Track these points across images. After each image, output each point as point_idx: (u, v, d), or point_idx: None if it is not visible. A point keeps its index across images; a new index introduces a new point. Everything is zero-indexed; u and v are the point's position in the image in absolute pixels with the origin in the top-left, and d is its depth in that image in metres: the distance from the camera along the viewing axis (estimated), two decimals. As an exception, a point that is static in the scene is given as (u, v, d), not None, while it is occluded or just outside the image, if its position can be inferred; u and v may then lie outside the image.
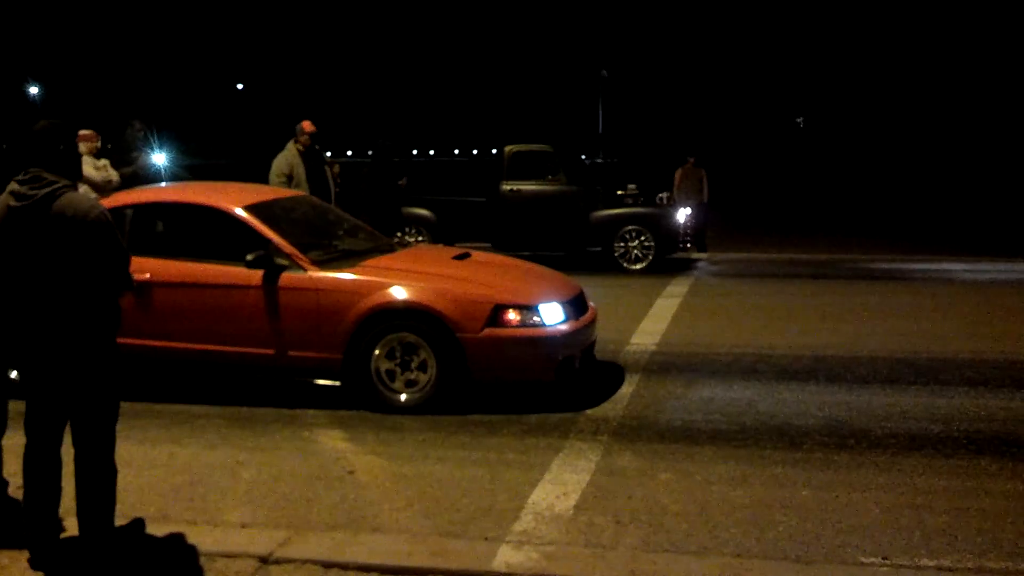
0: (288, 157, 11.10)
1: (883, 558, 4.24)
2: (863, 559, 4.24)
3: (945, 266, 14.01)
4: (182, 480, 5.32)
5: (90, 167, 10.37)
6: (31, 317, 4.03)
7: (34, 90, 71.17)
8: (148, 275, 6.80)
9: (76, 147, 4.27)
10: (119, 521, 4.36)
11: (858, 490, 5.05)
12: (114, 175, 10.62)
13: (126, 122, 11.94)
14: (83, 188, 10.29)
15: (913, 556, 4.26)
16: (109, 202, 7.48)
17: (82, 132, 10.51)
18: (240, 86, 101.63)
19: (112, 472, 4.22)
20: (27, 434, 4.20)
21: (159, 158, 13.24)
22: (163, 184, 8.53)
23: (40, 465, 4.18)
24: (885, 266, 14.23)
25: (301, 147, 11.15)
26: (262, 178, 10.91)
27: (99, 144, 10.76)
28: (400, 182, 11.72)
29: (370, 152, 12.18)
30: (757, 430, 6.12)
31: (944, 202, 27.28)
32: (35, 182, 4.01)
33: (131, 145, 11.81)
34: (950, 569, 4.15)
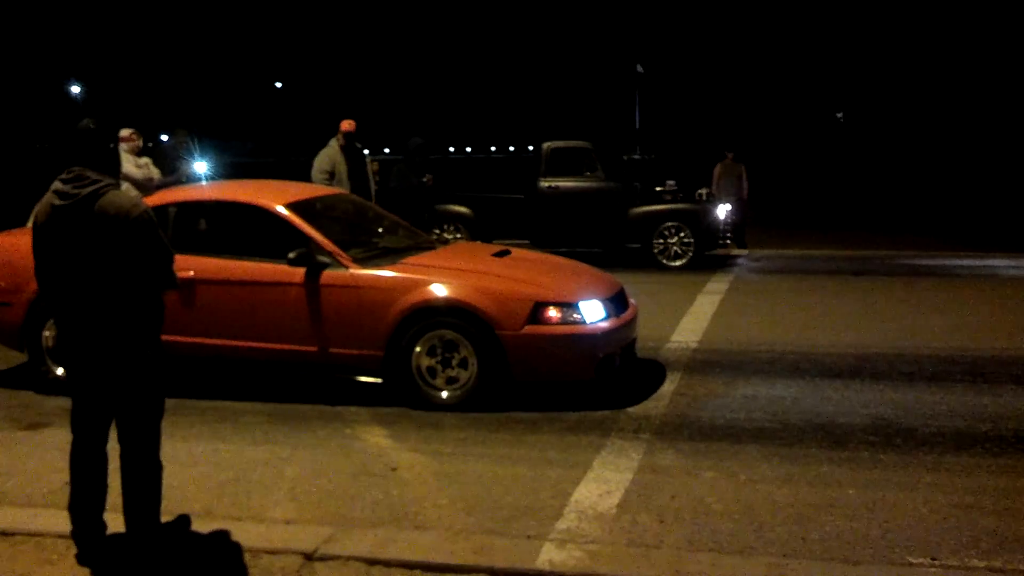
0: (330, 154, 11.21)
1: (932, 558, 4.18)
2: (911, 559, 4.18)
3: (989, 262, 13.80)
4: (226, 476, 5.36)
5: (131, 165, 10.51)
6: (75, 314, 4.07)
7: (76, 89, 72.09)
8: (191, 273, 6.85)
9: (118, 146, 4.30)
10: (165, 517, 4.41)
11: (905, 490, 4.98)
12: (155, 173, 10.75)
13: (168, 122, 12.08)
14: (125, 186, 10.44)
15: (962, 557, 4.20)
16: (152, 200, 7.56)
17: (123, 131, 10.65)
18: (279, 84, 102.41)
19: (157, 469, 4.25)
20: (73, 431, 4.24)
21: (201, 167, 13.41)
22: (206, 183, 8.61)
23: (86, 462, 4.23)
24: (928, 262, 14.04)
25: (342, 144, 11.28)
26: (302, 176, 10.98)
27: (140, 143, 10.90)
28: (425, 179, 11.70)
29: (403, 149, 12.16)
30: (801, 429, 6.06)
31: (987, 197, 26.87)
32: (78, 181, 4.03)
33: (175, 154, 11.94)
34: (1000, 570, 4.09)
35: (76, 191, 4.01)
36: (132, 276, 4.04)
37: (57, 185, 4.08)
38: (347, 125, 11.44)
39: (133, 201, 4.08)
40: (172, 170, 11.50)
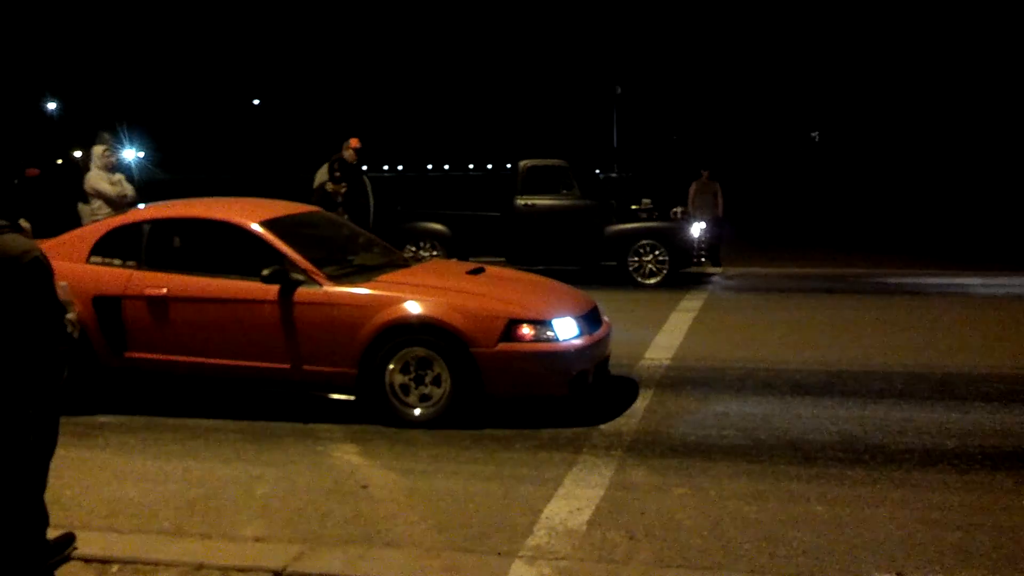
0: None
1: (897, 574, 4.23)
2: (877, 575, 4.23)
3: (961, 280, 13.95)
4: (197, 494, 5.34)
5: (105, 182, 10.45)
6: None
7: (52, 105, 71.79)
8: (165, 290, 6.85)
9: (24, 183, 4.03)
10: (137, 536, 4.36)
11: (872, 506, 5.03)
12: (129, 190, 10.69)
13: (147, 136, 12.17)
14: (97, 203, 10.41)
15: (927, 572, 4.25)
16: (126, 218, 7.55)
17: (96, 148, 10.61)
18: (256, 101, 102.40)
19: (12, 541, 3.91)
20: None
21: (129, 153, 13.53)
22: (181, 200, 8.56)
23: None
24: (900, 280, 14.17)
25: (345, 161, 11.54)
26: (279, 193, 11.00)
27: (115, 159, 10.84)
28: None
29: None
30: (771, 445, 6.11)
31: (960, 216, 27.17)
32: None
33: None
34: (965, 585, 4.14)
35: None
36: (16, 327, 3.76)
37: None
38: (356, 142, 11.73)
39: (25, 247, 3.80)
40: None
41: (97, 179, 10.47)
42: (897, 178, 51.01)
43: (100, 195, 10.39)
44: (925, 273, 14.90)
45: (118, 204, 10.26)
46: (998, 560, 4.36)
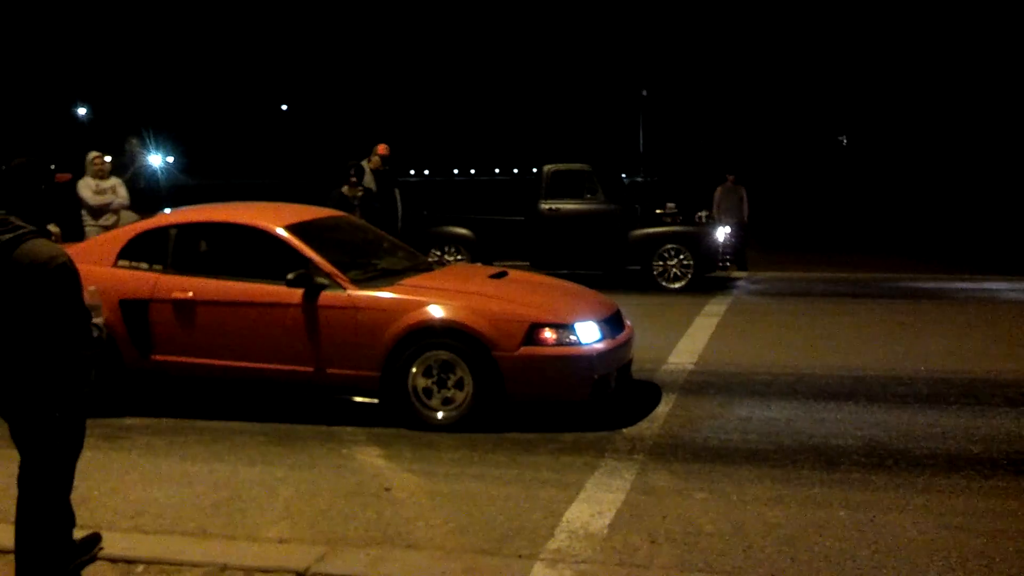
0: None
1: (920, 580, 4.21)
2: (899, 580, 4.21)
3: (987, 285, 13.83)
4: (221, 496, 5.39)
5: (88, 191, 10.62)
6: None
7: (82, 111, 72.54)
8: (191, 293, 6.92)
9: (53, 187, 4.00)
10: (159, 537, 4.41)
11: (895, 511, 5.01)
12: (121, 197, 10.83)
13: (173, 141, 12.44)
14: (84, 210, 10.63)
15: (950, 578, 4.23)
16: (153, 222, 7.63)
17: (89, 155, 10.82)
18: (285, 107, 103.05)
19: (44, 536, 3.95)
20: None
21: (155, 159, 13.75)
22: (207, 204, 8.64)
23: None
24: (926, 285, 14.06)
25: (373, 167, 11.69)
26: (306, 199, 11.09)
27: (106, 167, 10.97)
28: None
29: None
30: (794, 450, 6.09)
31: (988, 220, 26.92)
32: (2, 226, 3.77)
33: (130, 159, 12.14)
34: (988, 591, 4.11)
35: None
36: (44, 331, 3.78)
37: None
38: (383, 148, 11.87)
39: (51, 253, 3.78)
40: (127, 172, 11.58)
41: (82, 186, 10.67)
42: (925, 182, 50.62)
43: (83, 204, 10.60)
44: (951, 278, 14.77)
45: (96, 212, 10.45)
46: (1021, 566, 4.33)
